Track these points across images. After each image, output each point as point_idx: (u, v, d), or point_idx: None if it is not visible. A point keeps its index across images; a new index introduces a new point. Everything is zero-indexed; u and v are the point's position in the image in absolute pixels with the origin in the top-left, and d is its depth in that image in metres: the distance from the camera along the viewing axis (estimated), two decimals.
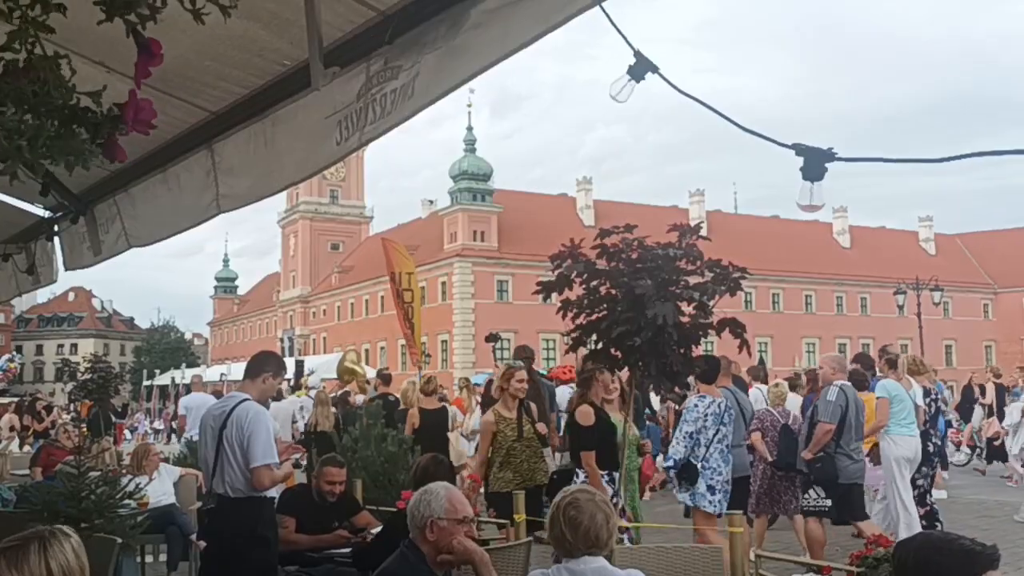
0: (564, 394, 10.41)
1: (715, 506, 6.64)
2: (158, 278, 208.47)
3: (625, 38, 2.16)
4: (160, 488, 7.78)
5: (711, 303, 5.32)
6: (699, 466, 6.70)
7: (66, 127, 1.01)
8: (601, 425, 6.40)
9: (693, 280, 5.33)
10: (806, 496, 7.57)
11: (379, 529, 5.47)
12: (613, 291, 5.23)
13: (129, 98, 1.02)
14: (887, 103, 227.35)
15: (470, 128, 66.35)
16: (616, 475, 6.34)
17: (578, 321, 5.26)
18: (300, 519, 5.66)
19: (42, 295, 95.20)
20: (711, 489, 6.68)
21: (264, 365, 5.04)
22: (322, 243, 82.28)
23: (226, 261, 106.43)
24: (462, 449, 11.08)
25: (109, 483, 6.31)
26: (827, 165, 1.93)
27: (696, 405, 6.88)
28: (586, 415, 6.34)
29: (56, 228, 5.27)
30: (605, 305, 5.21)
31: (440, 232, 64.26)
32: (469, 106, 65.54)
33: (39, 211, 5.30)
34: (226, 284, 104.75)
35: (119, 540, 5.09)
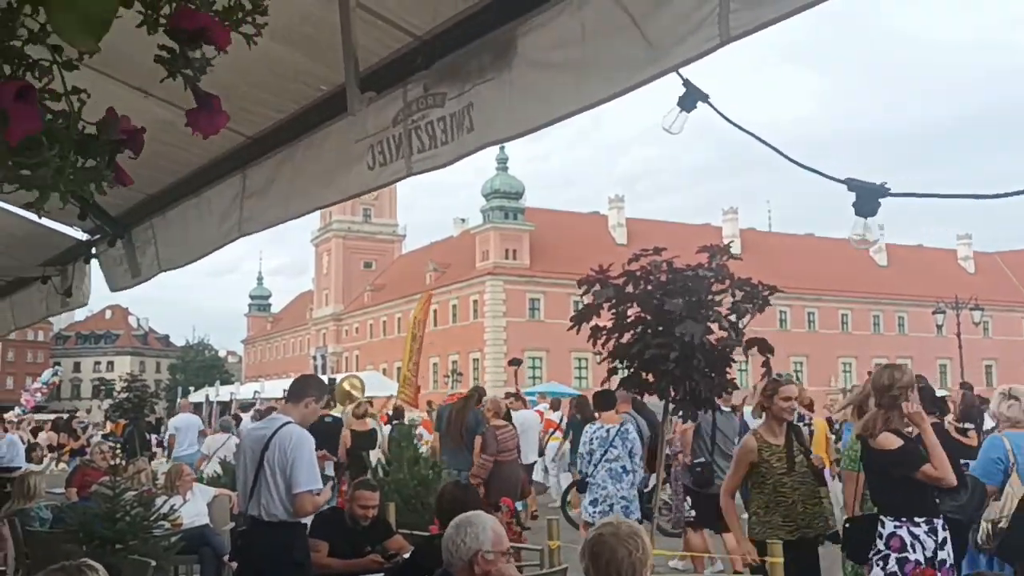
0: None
1: (593, 517, 7.48)
2: (194, 296, 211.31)
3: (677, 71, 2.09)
4: (194, 508, 7.84)
5: (743, 324, 5.28)
6: (588, 481, 7.97)
7: (83, 157, 1.04)
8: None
9: (723, 299, 5.30)
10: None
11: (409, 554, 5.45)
12: (643, 314, 5.22)
13: (121, 121, 1.05)
14: (922, 119, 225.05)
15: (502, 147, 66.61)
16: (937, 523, 4.67)
17: (608, 346, 5.24)
18: (333, 543, 5.66)
19: (80, 313, 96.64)
20: (593, 502, 7.91)
21: (307, 389, 4.98)
22: (355, 261, 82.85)
23: (260, 279, 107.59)
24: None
25: (144, 504, 6.37)
26: (880, 200, 1.88)
27: (586, 431, 8.38)
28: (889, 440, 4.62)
29: (94, 251, 5.36)
30: (636, 329, 5.19)
31: (472, 250, 64.44)
32: None
33: (77, 234, 5.39)
34: (260, 302, 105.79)
35: (153, 563, 5.14)
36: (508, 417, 10.53)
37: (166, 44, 1.03)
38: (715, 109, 1.96)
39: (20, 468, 9.55)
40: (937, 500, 4.71)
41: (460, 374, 57.84)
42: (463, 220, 74.73)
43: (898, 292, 72.40)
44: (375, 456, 11.56)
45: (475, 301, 63.46)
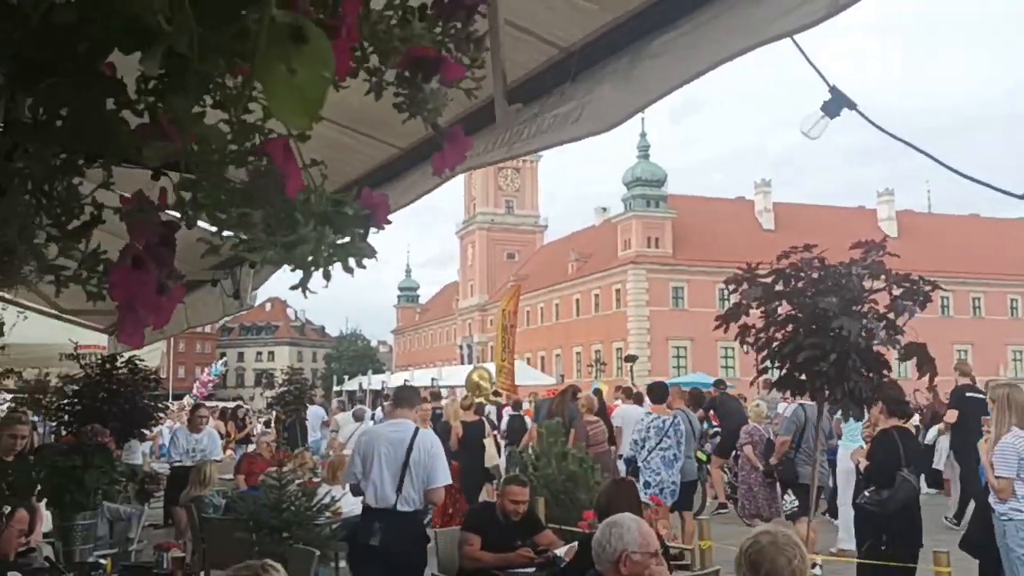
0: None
1: (644, 497, 7.69)
2: (346, 288, 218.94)
3: (820, 72, 2.02)
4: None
5: (901, 322, 5.04)
6: (641, 465, 8.79)
7: (335, 232, 1.09)
8: None
9: (877, 297, 5.07)
10: (784, 500, 9.06)
11: (566, 549, 5.52)
12: (795, 311, 5.06)
13: (364, 195, 1.09)
14: None
15: (643, 134, 65.88)
16: None
17: (758, 346, 5.11)
18: (485, 537, 5.79)
19: None
20: (646, 484, 8.61)
21: (414, 397, 6.16)
22: (498, 252, 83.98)
23: (408, 272, 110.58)
24: (492, 452, 12.67)
25: (307, 494, 6.71)
26: None
27: (642, 419, 9.34)
28: None
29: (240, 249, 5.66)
30: (787, 327, 5.05)
31: (614, 239, 64.06)
32: (642, 115, 65.01)
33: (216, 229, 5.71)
34: (408, 293, 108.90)
35: (317, 552, 5.42)
36: (601, 413, 11.64)
37: (399, 91, 1.06)
38: (864, 116, 1.89)
39: (219, 460, 10.25)
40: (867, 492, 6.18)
41: (604, 363, 57.71)
42: (604, 209, 74.37)
43: None
44: (489, 444, 12.35)
45: (617, 290, 63.09)
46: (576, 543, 5.14)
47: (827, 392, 4.99)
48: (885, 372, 4.97)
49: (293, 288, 1.03)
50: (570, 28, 2.78)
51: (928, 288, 5.02)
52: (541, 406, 11.99)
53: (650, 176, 63.22)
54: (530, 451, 8.38)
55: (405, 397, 6.01)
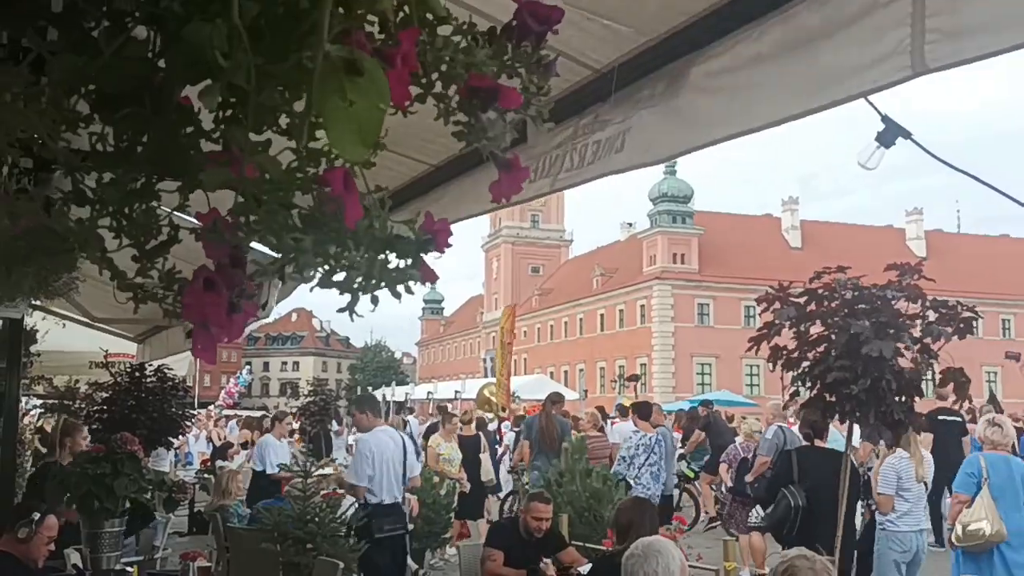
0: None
1: None
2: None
3: (872, 103, 1.97)
4: None
5: (937, 346, 4.98)
6: (631, 482, 9.03)
7: (395, 258, 1.07)
8: None
9: (912, 320, 5.01)
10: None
11: (586, 568, 5.49)
12: (827, 332, 5.02)
13: (426, 221, 1.09)
14: None
15: None
16: None
17: (789, 367, 5.07)
18: (507, 553, 5.79)
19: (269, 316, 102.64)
20: None
21: (379, 407, 7.71)
22: (523, 266, 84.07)
23: (433, 284, 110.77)
24: (488, 467, 12.94)
25: (332, 506, 6.71)
26: None
27: (630, 437, 9.81)
28: None
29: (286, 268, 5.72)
30: (818, 348, 5.00)
31: (639, 255, 63.92)
32: None
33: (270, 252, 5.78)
34: (433, 306, 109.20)
35: (341, 564, 5.42)
36: (602, 428, 12.37)
37: (459, 118, 1.07)
38: (919, 145, 1.87)
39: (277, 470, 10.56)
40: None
41: (630, 378, 57.48)
42: (630, 224, 74.31)
43: None
44: (484, 459, 12.65)
45: (642, 306, 62.90)
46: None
47: (857, 415, 4.92)
48: (913, 396, 4.91)
49: (340, 311, 1.03)
50: (603, 50, 2.78)
51: (968, 315, 4.96)
52: (531, 422, 12.10)
53: (676, 192, 63.06)
54: (522, 469, 8.62)
55: (375, 407, 7.34)
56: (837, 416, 5.26)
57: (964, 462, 6.82)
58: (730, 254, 60.91)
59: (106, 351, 8.69)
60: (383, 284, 1.03)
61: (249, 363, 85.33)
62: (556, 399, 12.12)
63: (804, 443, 7.05)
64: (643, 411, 10.19)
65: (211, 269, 0.94)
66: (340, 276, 1.02)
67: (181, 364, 10.13)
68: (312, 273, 1.01)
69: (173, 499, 9.23)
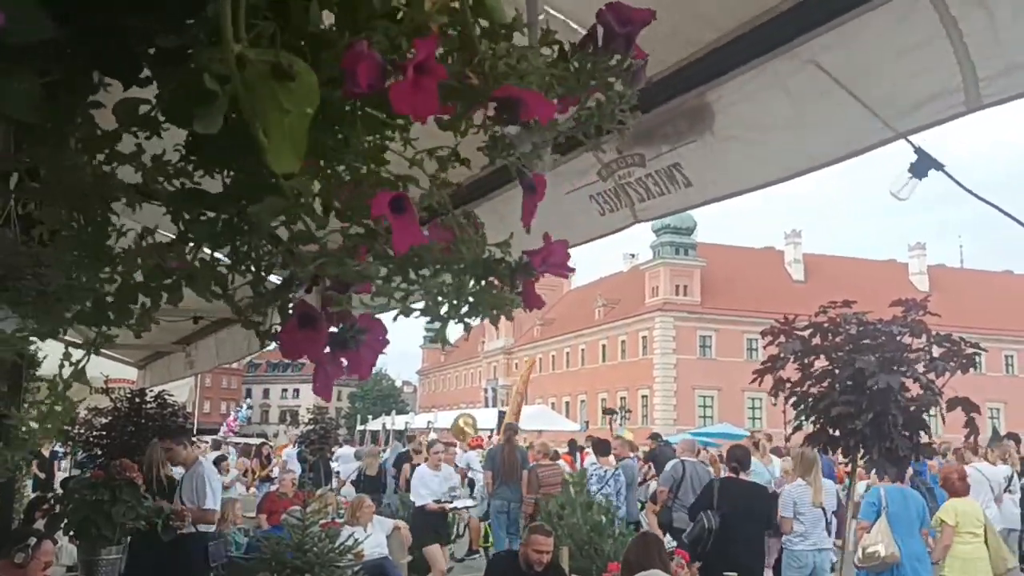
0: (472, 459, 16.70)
1: None
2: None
3: (906, 137, 1.97)
4: (375, 540, 8.11)
5: (940, 382, 4.95)
6: None
7: (484, 281, 1.01)
8: None
9: (918, 356, 4.99)
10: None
11: None
12: (831, 367, 5.00)
13: (544, 243, 1.04)
14: None
15: None
16: None
17: (792, 400, 5.04)
18: None
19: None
20: None
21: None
22: None
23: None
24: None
25: (330, 536, 6.66)
26: None
27: (586, 469, 10.98)
28: None
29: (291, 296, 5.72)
30: (823, 383, 4.98)
31: (641, 286, 63.87)
32: None
33: (274, 279, 5.79)
34: (434, 334, 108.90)
35: None
36: (555, 457, 12.87)
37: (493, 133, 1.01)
38: (952, 178, 1.86)
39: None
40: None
41: (629, 411, 57.21)
42: (632, 255, 74.35)
43: None
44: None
45: (644, 337, 62.74)
46: None
47: (862, 450, 4.89)
48: (918, 431, 4.87)
49: (432, 342, 1.00)
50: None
51: (971, 351, 4.95)
52: (494, 453, 12.57)
53: (679, 223, 63.05)
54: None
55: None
56: (841, 450, 5.22)
57: (866, 493, 7.87)
58: (733, 286, 60.87)
59: (107, 376, 8.65)
60: (479, 310, 0.97)
61: (249, 389, 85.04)
62: (515, 429, 13.22)
63: (730, 475, 7.84)
64: (601, 448, 11.68)
65: (310, 304, 0.92)
66: (420, 304, 0.98)
67: (181, 390, 10.09)
68: (395, 301, 0.97)
69: (170, 527, 9.14)
